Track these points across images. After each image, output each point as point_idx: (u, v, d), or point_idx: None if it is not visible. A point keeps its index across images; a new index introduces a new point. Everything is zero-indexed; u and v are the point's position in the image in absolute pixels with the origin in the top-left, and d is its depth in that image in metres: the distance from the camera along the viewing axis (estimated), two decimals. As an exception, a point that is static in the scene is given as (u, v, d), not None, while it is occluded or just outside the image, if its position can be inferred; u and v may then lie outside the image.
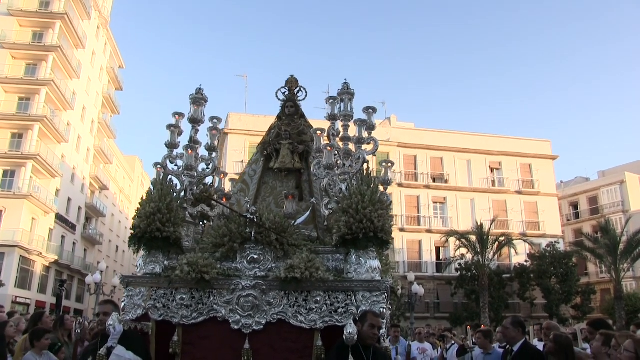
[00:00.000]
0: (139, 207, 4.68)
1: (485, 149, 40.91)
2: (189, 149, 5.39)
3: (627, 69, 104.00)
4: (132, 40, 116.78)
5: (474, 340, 7.12)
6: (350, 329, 3.77)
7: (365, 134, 5.27)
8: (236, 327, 4.34)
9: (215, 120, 5.89)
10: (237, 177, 6.68)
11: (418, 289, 23.05)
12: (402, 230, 37.61)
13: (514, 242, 32.60)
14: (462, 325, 28.17)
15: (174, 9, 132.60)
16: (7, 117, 33.66)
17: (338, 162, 5.12)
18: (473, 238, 32.13)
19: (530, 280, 33.40)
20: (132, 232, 4.65)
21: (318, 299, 4.33)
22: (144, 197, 4.74)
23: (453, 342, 9.22)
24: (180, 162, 5.42)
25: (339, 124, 5.32)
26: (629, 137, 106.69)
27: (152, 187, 4.83)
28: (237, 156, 35.24)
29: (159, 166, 5.18)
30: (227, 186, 6.66)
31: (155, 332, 4.43)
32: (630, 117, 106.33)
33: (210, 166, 5.73)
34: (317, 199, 5.54)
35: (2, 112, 33.60)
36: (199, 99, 5.56)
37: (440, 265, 37.35)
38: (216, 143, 5.87)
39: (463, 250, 32.75)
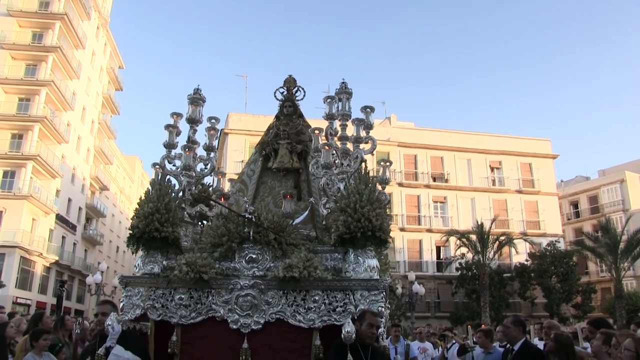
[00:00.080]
0: (138, 207, 4.68)
1: (486, 148, 40.90)
2: (187, 149, 5.39)
3: (627, 69, 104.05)
4: (132, 41, 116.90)
5: (474, 340, 7.12)
6: (349, 328, 3.77)
7: (363, 133, 5.28)
8: (235, 326, 4.35)
9: (213, 120, 5.89)
10: (237, 177, 6.69)
11: (418, 288, 23.07)
12: (402, 229, 37.61)
13: (515, 241, 32.58)
14: (463, 324, 28.20)
15: (174, 9, 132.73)
16: (7, 117, 33.69)
17: (336, 162, 5.13)
18: (473, 237, 32.14)
19: (531, 280, 33.42)
20: (131, 232, 4.66)
21: (316, 298, 4.33)
22: (142, 198, 4.74)
23: (454, 341, 9.22)
24: (178, 162, 5.43)
25: (337, 124, 5.32)
26: (629, 136, 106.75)
27: (150, 188, 4.83)
28: (237, 156, 35.24)
29: (157, 166, 5.19)
30: (227, 186, 6.66)
31: (154, 332, 4.44)
32: (630, 116, 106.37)
33: (209, 166, 5.74)
34: (315, 198, 5.55)
35: (2, 113, 33.63)
36: (196, 99, 5.56)
37: (440, 265, 37.36)
38: (214, 143, 5.87)
39: (463, 250, 32.77)
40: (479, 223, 32.55)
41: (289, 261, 4.32)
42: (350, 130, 5.28)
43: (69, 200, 39.70)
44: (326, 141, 5.22)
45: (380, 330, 4.16)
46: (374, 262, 4.45)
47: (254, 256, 4.58)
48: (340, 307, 4.29)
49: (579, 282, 33.94)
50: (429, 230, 38.34)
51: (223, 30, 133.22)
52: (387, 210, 5.30)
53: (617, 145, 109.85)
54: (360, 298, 4.29)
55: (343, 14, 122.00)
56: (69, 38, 38.02)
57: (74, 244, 40.62)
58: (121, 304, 4.58)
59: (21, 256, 32.00)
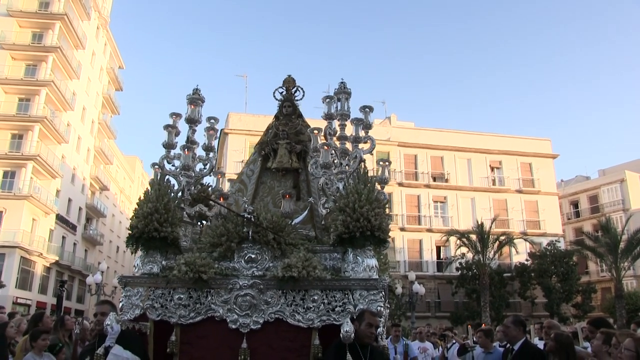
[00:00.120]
0: (137, 207, 4.69)
1: (486, 148, 40.91)
2: (186, 149, 5.40)
3: (627, 68, 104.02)
4: (132, 41, 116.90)
5: (474, 339, 7.12)
6: (347, 327, 3.77)
7: (362, 133, 5.28)
8: (234, 326, 4.35)
9: (212, 121, 5.90)
10: (237, 177, 6.69)
11: (419, 288, 23.09)
12: (402, 229, 37.62)
13: (515, 241, 32.61)
14: (463, 324, 28.20)
15: (173, 9, 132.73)
16: (7, 118, 33.70)
17: (335, 161, 5.13)
18: (474, 237, 32.15)
19: (531, 279, 33.43)
20: (130, 232, 4.66)
21: (315, 297, 4.33)
22: (142, 198, 4.75)
23: (454, 341, 9.23)
24: (177, 163, 5.43)
25: (336, 123, 5.32)
26: (629, 135, 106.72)
27: (149, 188, 4.83)
28: (238, 156, 35.24)
29: (156, 166, 5.19)
30: (226, 186, 6.67)
31: (153, 332, 4.44)
32: (630, 116, 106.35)
33: (208, 166, 5.74)
34: (314, 198, 5.55)
35: (2, 113, 33.64)
36: (195, 99, 5.56)
37: (440, 265, 37.37)
38: (213, 143, 5.88)
39: (464, 250, 32.78)
40: (479, 223, 32.56)
41: (287, 261, 4.32)
42: (349, 130, 5.28)
43: (69, 200, 39.71)
44: (325, 141, 5.22)
45: (379, 330, 4.16)
46: (373, 262, 4.45)
47: (253, 256, 4.57)
48: (339, 306, 4.29)
49: (579, 282, 33.95)
50: (429, 230, 38.34)
51: (223, 30, 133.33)
52: (387, 210, 5.30)
53: (617, 145, 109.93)
54: (359, 298, 4.29)
55: (343, 14, 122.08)
56: (69, 38, 38.02)
57: (74, 244, 40.63)
58: (120, 304, 4.58)
59: (21, 256, 32.01)
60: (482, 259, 31.62)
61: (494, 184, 40.98)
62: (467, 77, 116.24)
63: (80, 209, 42.14)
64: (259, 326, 4.33)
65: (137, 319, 4.46)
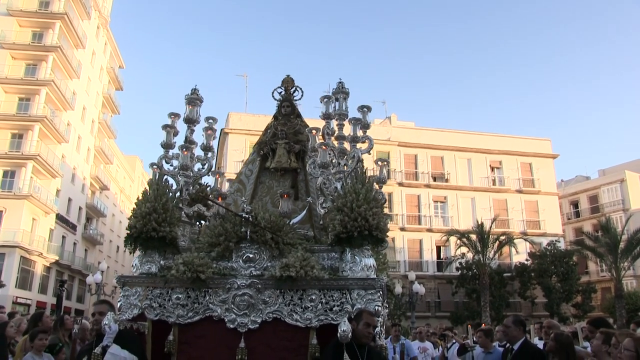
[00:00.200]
0: (135, 207, 4.69)
1: (486, 148, 40.91)
2: (184, 149, 5.40)
3: (627, 68, 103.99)
4: (132, 40, 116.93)
5: (474, 339, 7.12)
6: (345, 327, 3.77)
7: (360, 133, 5.28)
8: (232, 326, 4.35)
9: (210, 120, 5.90)
10: (236, 177, 6.69)
11: (419, 288, 23.09)
12: (402, 229, 37.63)
13: (515, 241, 32.61)
14: (463, 324, 28.20)
15: (174, 9, 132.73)
16: (7, 117, 33.70)
17: (333, 161, 5.13)
18: (474, 237, 32.16)
19: (531, 279, 33.44)
20: (128, 232, 4.67)
21: (313, 297, 4.33)
22: (140, 198, 4.75)
23: (454, 341, 9.23)
24: (176, 162, 5.43)
25: (334, 123, 5.32)
26: (629, 135, 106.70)
27: (147, 187, 4.84)
28: (238, 156, 35.24)
29: (154, 166, 5.20)
30: (226, 186, 6.67)
31: (152, 332, 4.44)
32: (630, 116, 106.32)
33: (206, 166, 5.74)
34: (313, 198, 5.55)
35: (2, 113, 33.64)
36: (194, 99, 5.57)
37: (441, 265, 37.37)
38: (212, 143, 5.88)
39: (464, 249, 32.79)
40: (479, 223, 32.57)
41: (285, 260, 4.33)
42: (348, 130, 5.29)
43: (69, 200, 39.72)
44: (323, 141, 5.22)
45: (376, 329, 4.16)
46: (371, 261, 4.45)
47: (251, 255, 4.58)
48: (337, 306, 4.30)
49: (579, 282, 33.96)
50: (429, 230, 38.34)
51: (223, 30, 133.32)
52: (386, 209, 5.31)
53: (617, 145, 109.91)
54: (357, 297, 4.29)
55: (343, 14, 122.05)
56: (69, 38, 38.03)
57: (74, 243, 40.64)
58: (119, 304, 4.59)
59: (21, 256, 32.01)
60: (482, 258, 31.63)
61: (494, 184, 40.99)
62: (467, 77, 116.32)
63: (80, 208, 42.15)
64: (257, 326, 4.34)
65: (136, 318, 4.47)
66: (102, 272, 22.75)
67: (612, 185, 46.67)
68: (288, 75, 6.32)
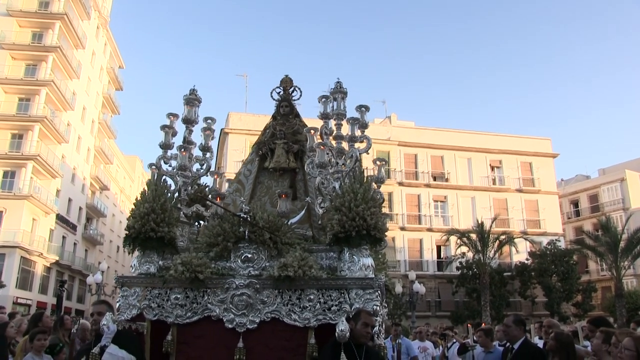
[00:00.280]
0: (134, 207, 4.70)
1: (486, 147, 40.90)
2: (182, 150, 5.40)
3: (627, 67, 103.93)
4: (132, 40, 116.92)
5: (475, 339, 7.13)
6: (342, 327, 3.78)
7: (358, 132, 5.28)
8: (230, 325, 4.36)
9: (209, 121, 5.90)
10: (235, 177, 6.70)
11: (419, 287, 23.07)
12: (402, 229, 37.63)
13: (515, 240, 32.59)
14: (463, 323, 28.17)
15: (173, 9, 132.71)
16: (7, 117, 33.73)
17: (331, 161, 5.13)
18: (474, 236, 32.16)
19: (531, 279, 33.43)
20: (127, 232, 4.67)
21: (311, 297, 4.33)
22: (138, 198, 4.76)
23: (454, 340, 9.24)
24: (174, 163, 5.43)
25: (332, 123, 5.33)
26: (629, 134, 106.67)
27: (146, 188, 4.84)
28: (238, 156, 35.22)
29: (153, 167, 5.20)
30: (225, 186, 6.68)
31: (150, 332, 4.45)
32: (630, 115, 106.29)
33: (205, 166, 5.74)
34: (312, 198, 5.55)
35: (2, 113, 33.67)
36: (192, 100, 5.56)
37: (441, 264, 37.37)
38: (210, 143, 5.88)
39: (464, 249, 32.78)
40: (480, 222, 32.57)
41: (284, 260, 4.33)
42: (346, 130, 5.29)
43: (69, 200, 39.73)
44: (321, 140, 5.22)
45: (375, 329, 4.16)
46: (369, 261, 4.46)
47: (249, 255, 4.58)
48: (336, 306, 4.29)
49: (579, 281, 33.96)
50: (430, 230, 38.33)
51: (223, 30, 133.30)
52: (386, 209, 5.31)
53: (617, 144, 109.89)
54: (355, 297, 4.29)
55: (343, 14, 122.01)
56: (69, 38, 38.04)
57: (75, 243, 40.66)
58: (117, 304, 4.59)
59: (21, 256, 32.04)
60: (482, 258, 31.62)
61: (494, 183, 40.98)
62: (467, 77, 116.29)
63: (80, 208, 42.17)
64: (255, 325, 4.34)
65: (134, 318, 4.47)
66: (103, 272, 22.79)
67: (612, 184, 46.67)
68: (286, 75, 6.33)
